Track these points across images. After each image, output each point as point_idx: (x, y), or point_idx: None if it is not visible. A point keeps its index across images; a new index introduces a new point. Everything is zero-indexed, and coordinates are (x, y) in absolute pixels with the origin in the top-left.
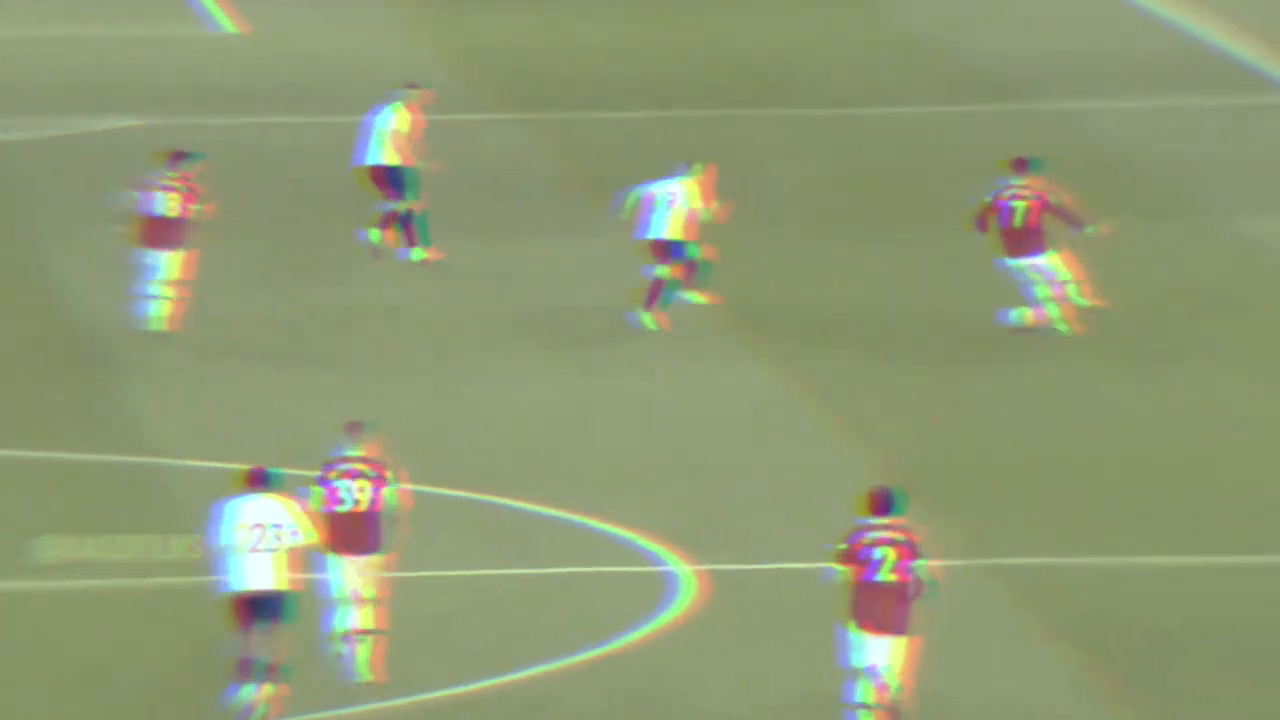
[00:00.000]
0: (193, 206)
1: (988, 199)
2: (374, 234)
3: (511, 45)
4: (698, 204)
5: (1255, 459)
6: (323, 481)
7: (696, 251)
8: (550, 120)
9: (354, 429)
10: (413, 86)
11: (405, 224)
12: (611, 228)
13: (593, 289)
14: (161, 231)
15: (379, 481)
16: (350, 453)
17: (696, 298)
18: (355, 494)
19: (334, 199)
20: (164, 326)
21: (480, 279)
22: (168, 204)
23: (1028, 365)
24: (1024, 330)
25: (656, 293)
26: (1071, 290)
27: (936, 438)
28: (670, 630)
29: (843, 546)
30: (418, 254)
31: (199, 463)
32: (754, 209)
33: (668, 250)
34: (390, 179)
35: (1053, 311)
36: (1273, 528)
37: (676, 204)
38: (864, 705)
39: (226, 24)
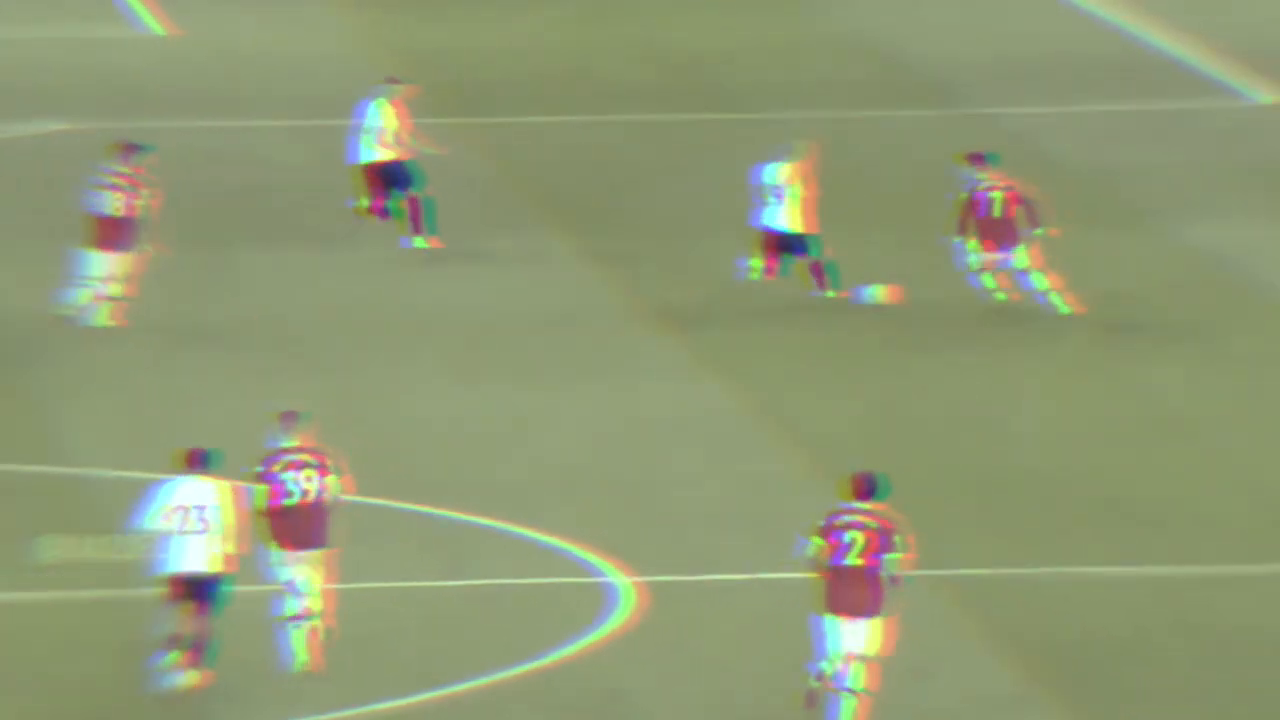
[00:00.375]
0: (137, 203)
1: (964, 194)
2: (362, 202)
3: (447, 47)
4: (803, 189)
5: (1204, 468)
6: (266, 477)
7: (819, 250)
8: (483, 125)
9: (289, 419)
10: (394, 81)
11: (413, 213)
12: (548, 235)
13: (532, 297)
14: (107, 232)
15: (323, 470)
16: (287, 443)
17: (831, 294)
18: (303, 484)
19: (265, 201)
20: (100, 321)
21: (419, 287)
22: (112, 203)
23: (976, 375)
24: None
25: (819, 272)
26: (1054, 298)
27: (883, 447)
28: (609, 642)
29: (819, 523)
30: (420, 242)
31: (118, 472)
32: (688, 213)
33: (785, 243)
34: (387, 174)
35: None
36: (1222, 538)
37: (787, 193)
38: (809, 690)
39: (154, 26)
